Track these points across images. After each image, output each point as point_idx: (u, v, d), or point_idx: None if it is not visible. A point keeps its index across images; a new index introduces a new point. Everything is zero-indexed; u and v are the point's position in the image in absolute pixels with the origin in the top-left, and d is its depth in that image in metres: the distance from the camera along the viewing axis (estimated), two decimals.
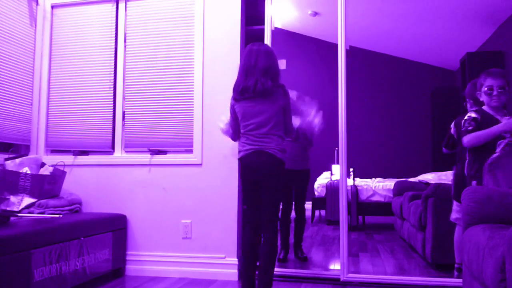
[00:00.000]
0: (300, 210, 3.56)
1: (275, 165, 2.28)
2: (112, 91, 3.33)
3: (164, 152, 3.22)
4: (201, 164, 3.11)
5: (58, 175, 3.10)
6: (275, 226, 2.30)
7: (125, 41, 3.33)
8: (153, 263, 3.10)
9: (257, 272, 2.32)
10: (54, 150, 3.46)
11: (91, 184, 3.28)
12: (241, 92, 2.30)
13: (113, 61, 3.34)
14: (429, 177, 4.98)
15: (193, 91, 3.16)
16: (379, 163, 5.93)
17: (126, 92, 3.31)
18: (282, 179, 2.33)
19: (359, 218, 5.04)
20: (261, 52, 2.30)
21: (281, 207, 3.38)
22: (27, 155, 3.23)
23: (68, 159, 3.32)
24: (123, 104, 3.31)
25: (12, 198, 2.89)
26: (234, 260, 2.98)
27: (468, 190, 2.10)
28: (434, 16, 4.79)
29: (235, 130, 2.48)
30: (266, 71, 2.26)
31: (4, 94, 3.16)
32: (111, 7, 3.37)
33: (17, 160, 3.03)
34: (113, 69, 3.34)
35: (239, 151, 2.39)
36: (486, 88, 2.37)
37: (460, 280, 2.29)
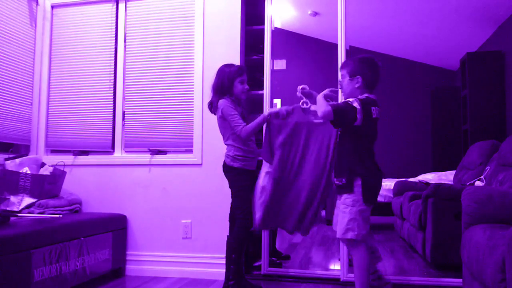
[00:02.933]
0: None
1: (224, 170, 2.61)
2: (112, 91, 3.33)
3: (164, 152, 3.22)
4: (201, 164, 3.11)
5: (58, 175, 3.10)
6: (239, 222, 2.52)
7: (125, 41, 3.33)
8: (153, 263, 3.10)
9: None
10: (54, 150, 3.46)
11: (91, 184, 3.28)
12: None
13: (113, 61, 3.34)
14: (429, 177, 4.96)
15: (193, 91, 3.16)
16: (379, 163, 5.91)
17: (126, 92, 3.31)
18: (233, 182, 2.57)
19: None
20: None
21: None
22: (27, 155, 3.23)
23: (68, 159, 3.32)
24: (123, 104, 3.31)
25: (12, 198, 2.89)
26: None
27: (468, 190, 2.10)
28: (434, 16, 4.78)
29: None
30: (213, 88, 2.59)
31: (4, 94, 3.16)
32: (111, 7, 3.37)
33: (17, 160, 3.04)
34: (113, 69, 3.34)
35: None
36: None
37: (460, 280, 2.29)
